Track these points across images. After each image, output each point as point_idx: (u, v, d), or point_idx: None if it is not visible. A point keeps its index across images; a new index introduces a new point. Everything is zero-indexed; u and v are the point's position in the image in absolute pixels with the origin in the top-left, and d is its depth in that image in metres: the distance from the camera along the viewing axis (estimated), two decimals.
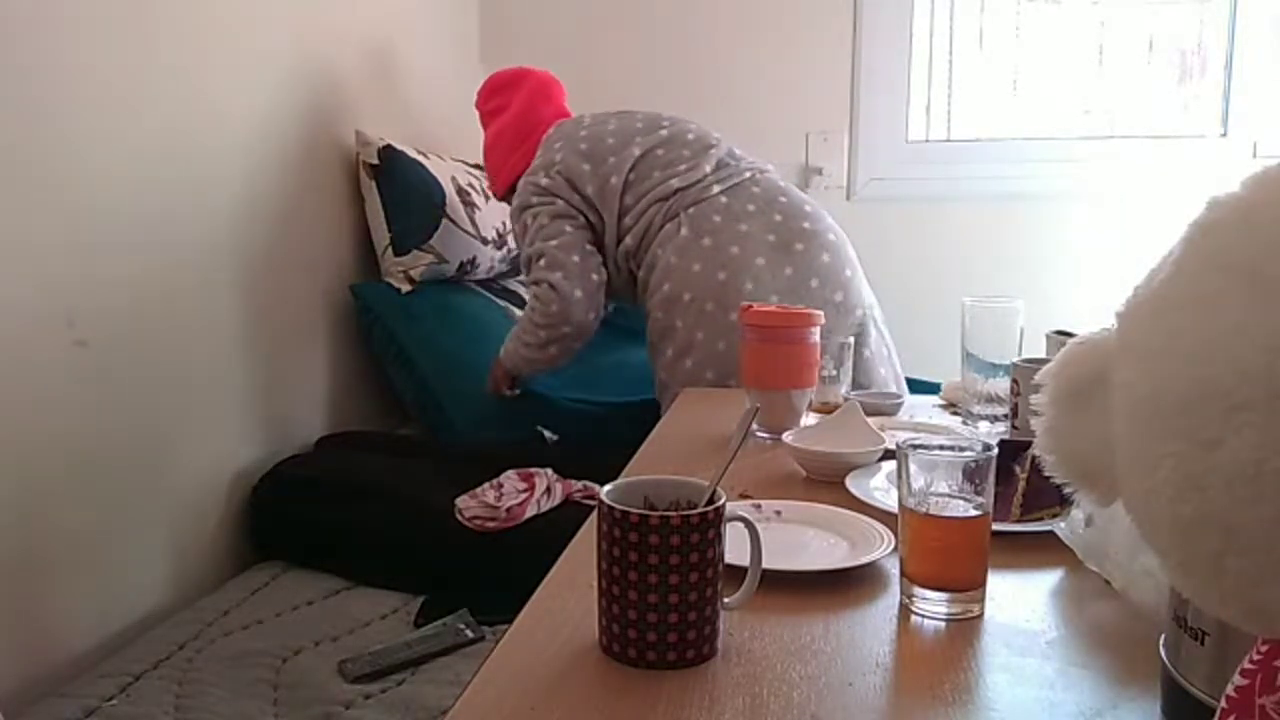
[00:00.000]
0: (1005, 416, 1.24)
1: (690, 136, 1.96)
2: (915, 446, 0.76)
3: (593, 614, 0.68)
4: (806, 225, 1.83)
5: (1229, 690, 0.45)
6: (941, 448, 0.77)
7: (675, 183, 1.87)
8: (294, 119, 2.01)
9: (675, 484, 0.71)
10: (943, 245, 2.75)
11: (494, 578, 1.57)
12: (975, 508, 0.74)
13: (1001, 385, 1.27)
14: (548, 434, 2.08)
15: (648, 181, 1.90)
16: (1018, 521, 0.91)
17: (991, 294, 1.44)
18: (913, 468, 0.75)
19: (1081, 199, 2.72)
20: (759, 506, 0.94)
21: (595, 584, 0.67)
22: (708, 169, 1.88)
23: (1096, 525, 0.79)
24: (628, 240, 1.90)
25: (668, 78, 2.96)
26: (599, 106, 3.09)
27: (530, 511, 1.65)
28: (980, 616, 0.74)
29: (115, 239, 1.51)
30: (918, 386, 1.85)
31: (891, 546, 0.81)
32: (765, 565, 0.71)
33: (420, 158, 2.31)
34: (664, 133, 1.96)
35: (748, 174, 1.90)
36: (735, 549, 0.70)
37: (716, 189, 1.86)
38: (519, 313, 2.59)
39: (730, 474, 0.72)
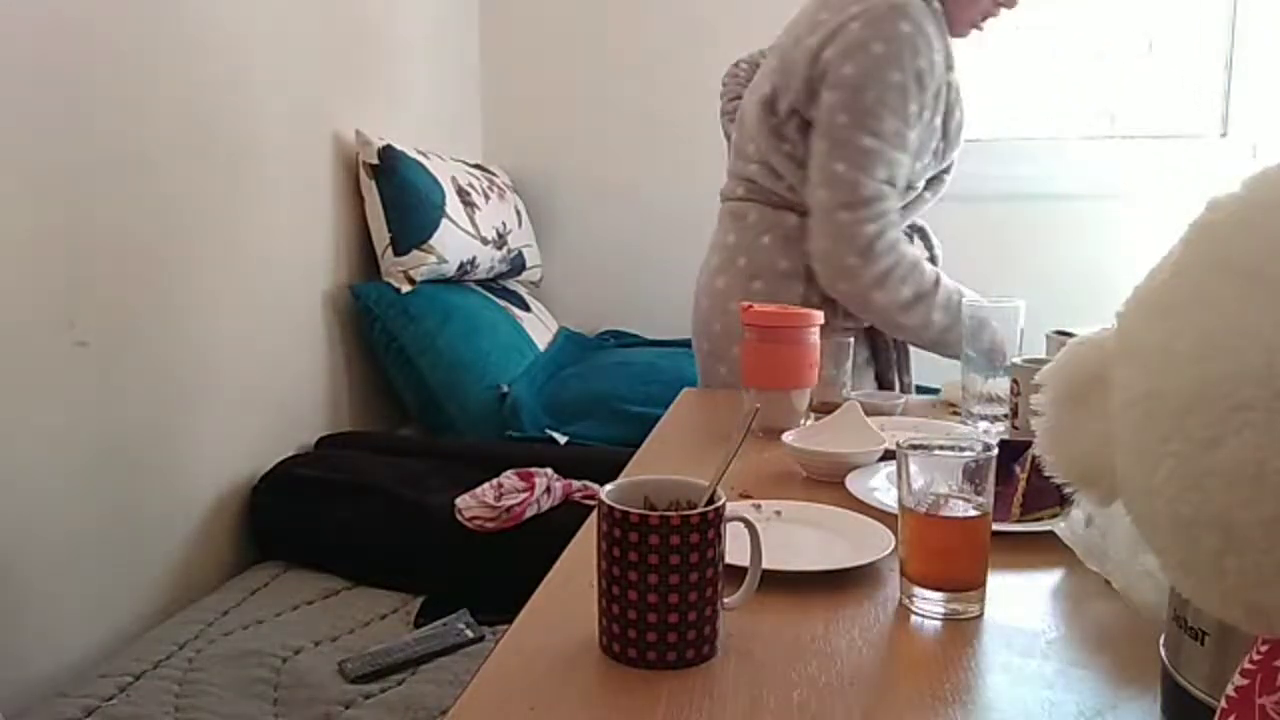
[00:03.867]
0: (1005, 416, 1.24)
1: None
2: (915, 446, 0.76)
3: (593, 614, 0.68)
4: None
5: (1229, 690, 0.45)
6: (941, 448, 0.77)
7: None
8: (294, 118, 2.01)
9: (675, 484, 0.71)
10: (943, 245, 2.74)
11: (494, 578, 1.57)
12: (975, 508, 0.74)
13: (1001, 385, 1.27)
14: (558, 435, 2.07)
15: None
16: (1018, 521, 0.91)
17: (992, 294, 1.44)
18: (913, 468, 0.75)
19: (1082, 199, 2.72)
20: (759, 506, 0.94)
21: (595, 584, 0.67)
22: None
23: (1096, 525, 0.79)
24: None
25: (669, 79, 2.96)
26: (599, 109, 3.10)
27: (530, 511, 1.65)
28: (980, 616, 0.74)
29: (116, 239, 1.51)
30: (918, 387, 1.85)
31: (891, 546, 0.81)
32: (765, 565, 0.71)
33: (420, 158, 2.31)
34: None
35: None
36: (735, 549, 0.69)
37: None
38: (519, 312, 2.59)
39: (730, 474, 0.71)
